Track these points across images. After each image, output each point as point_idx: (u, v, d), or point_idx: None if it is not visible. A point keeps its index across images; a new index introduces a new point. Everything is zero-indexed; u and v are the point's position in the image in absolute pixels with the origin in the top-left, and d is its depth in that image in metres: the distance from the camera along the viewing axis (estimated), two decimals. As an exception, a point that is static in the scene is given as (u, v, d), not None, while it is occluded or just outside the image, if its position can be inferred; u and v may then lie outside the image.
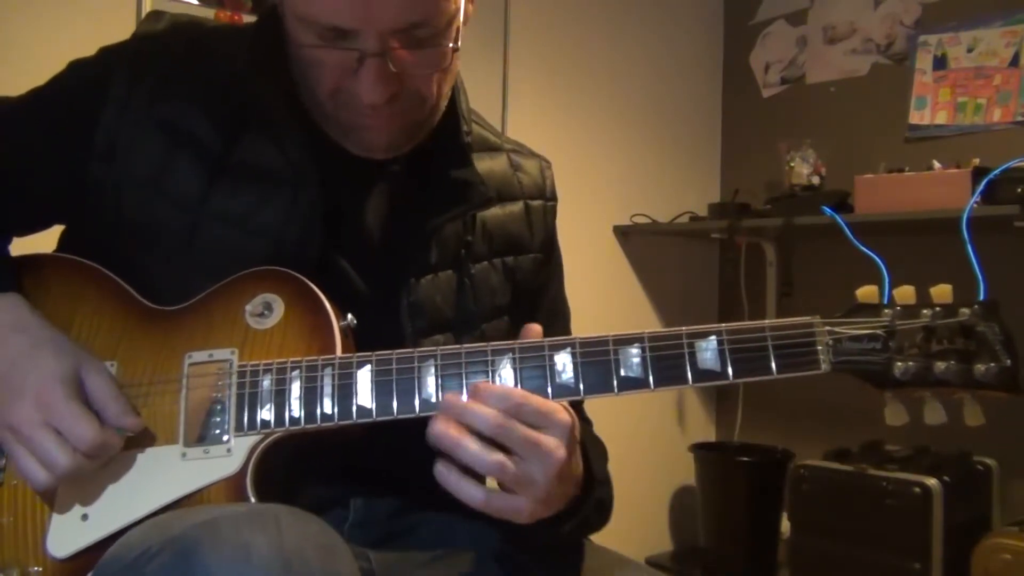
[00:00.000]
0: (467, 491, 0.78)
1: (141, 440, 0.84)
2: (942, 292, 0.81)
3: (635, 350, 0.82)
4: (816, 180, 2.52)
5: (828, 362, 0.80)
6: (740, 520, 2.50)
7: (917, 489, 2.04)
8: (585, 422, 1.08)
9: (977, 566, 1.94)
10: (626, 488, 2.99)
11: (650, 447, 2.81)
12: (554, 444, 0.78)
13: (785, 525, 2.37)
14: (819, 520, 2.21)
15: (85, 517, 0.82)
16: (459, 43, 0.88)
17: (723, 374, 0.81)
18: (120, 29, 1.01)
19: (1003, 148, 2.25)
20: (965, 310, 0.79)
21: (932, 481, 2.04)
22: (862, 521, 2.12)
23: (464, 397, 0.81)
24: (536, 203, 1.08)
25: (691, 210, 2.82)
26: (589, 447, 0.91)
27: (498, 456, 0.77)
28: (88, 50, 0.99)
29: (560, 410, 0.80)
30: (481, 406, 0.78)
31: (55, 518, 0.83)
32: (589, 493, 0.88)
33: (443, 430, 0.78)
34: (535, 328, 0.86)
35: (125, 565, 0.71)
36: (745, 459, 2.57)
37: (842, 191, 2.39)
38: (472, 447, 0.77)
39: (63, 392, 0.80)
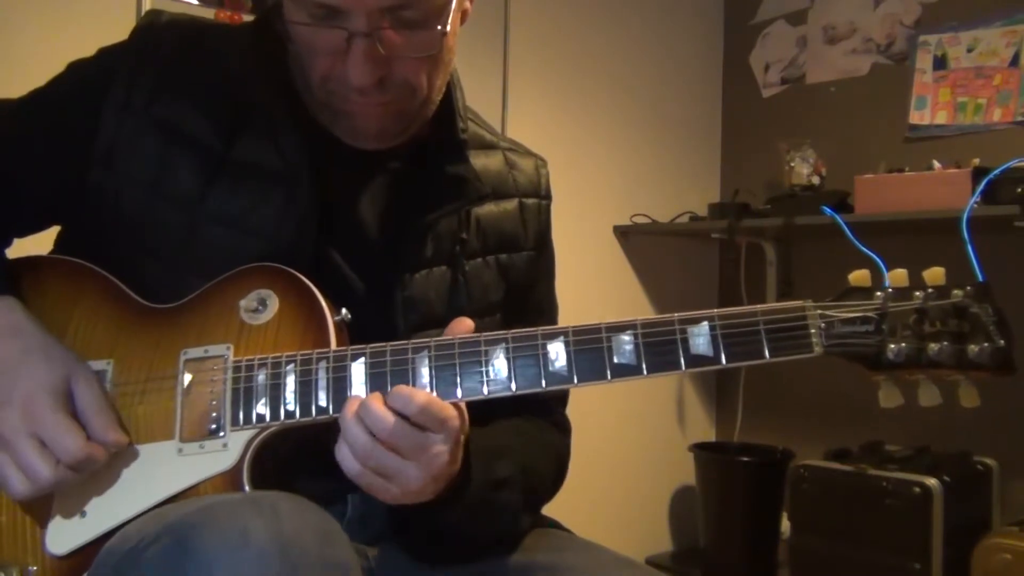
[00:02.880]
0: (347, 462, 0.79)
1: (138, 437, 0.84)
2: (935, 275, 0.81)
3: (627, 337, 0.82)
4: (816, 180, 2.51)
5: (821, 345, 0.80)
6: (740, 520, 2.49)
7: (917, 489, 2.03)
8: (562, 429, 1.08)
9: (977, 566, 1.93)
10: (626, 488, 2.98)
11: (650, 447, 2.81)
12: (438, 448, 0.79)
13: (785, 525, 2.37)
14: (819, 520, 2.20)
15: (83, 514, 0.82)
16: (448, 28, 0.88)
17: (716, 359, 0.81)
18: (120, 29, 1.01)
19: (1003, 148, 2.25)
20: (958, 292, 0.79)
21: (932, 481, 2.03)
22: (862, 521, 2.11)
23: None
24: (531, 201, 1.09)
25: (691, 210, 2.82)
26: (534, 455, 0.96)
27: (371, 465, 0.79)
28: (88, 50, 0.99)
29: (453, 416, 0.80)
30: (383, 411, 0.78)
31: (53, 516, 0.83)
32: (462, 490, 0.86)
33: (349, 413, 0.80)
34: (466, 323, 0.85)
35: (123, 554, 0.71)
36: (745, 459, 2.56)
37: (842, 191, 2.38)
38: (361, 439, 0.78)
39: (50, 403, 0.80)
